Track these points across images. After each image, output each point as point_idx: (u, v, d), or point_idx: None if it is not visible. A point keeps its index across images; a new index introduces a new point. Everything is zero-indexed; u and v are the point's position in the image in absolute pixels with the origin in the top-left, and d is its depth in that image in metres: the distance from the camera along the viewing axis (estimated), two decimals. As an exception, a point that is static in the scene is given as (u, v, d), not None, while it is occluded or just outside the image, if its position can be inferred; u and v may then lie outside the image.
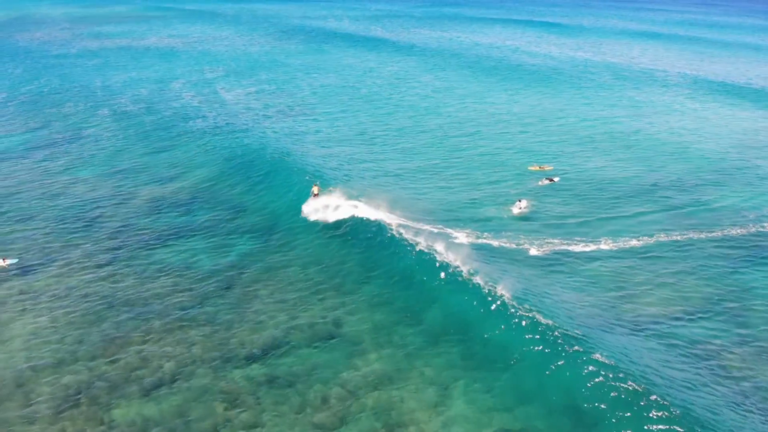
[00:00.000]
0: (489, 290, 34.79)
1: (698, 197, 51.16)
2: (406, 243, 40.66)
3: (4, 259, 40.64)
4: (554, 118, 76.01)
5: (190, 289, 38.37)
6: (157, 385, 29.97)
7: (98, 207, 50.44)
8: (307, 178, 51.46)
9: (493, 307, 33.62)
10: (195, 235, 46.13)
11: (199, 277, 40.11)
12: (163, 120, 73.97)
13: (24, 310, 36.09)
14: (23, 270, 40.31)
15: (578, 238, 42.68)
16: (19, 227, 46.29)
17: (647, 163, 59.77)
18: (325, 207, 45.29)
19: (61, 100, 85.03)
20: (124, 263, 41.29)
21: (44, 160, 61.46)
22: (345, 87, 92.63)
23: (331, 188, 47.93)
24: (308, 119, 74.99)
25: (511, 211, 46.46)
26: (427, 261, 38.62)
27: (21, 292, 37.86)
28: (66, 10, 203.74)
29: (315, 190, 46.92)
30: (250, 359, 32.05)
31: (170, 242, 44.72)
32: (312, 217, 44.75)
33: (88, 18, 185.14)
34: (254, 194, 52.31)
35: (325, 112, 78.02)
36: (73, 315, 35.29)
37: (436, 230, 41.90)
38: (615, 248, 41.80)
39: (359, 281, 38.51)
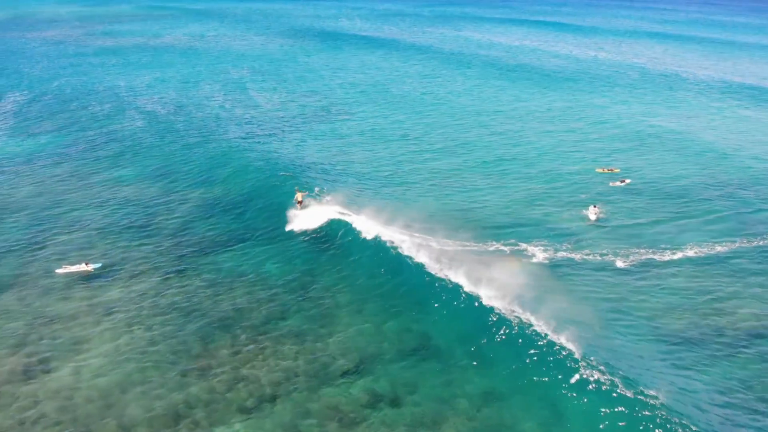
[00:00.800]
0: (585, 315, 33.24)
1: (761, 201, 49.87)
2: (477, 257, 38.95)
3: (87, 263, 39.10)
4: (596, 119, 74.61)
5: (267, 299, 36.68)
6: (257, 404, 28.29)
7: (150, 211, 48.66)
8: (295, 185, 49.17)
9: (591, 333, 32.02)
10: (254, 239, 44.43)
11: (271, 285, 38.43)
12: (196, 121, 72.19)
13: (101, 322, 34.35)
14: (94, 278, 38.62)
15: (662, 246, 41.15)
16: (77, 235, 44.50)
17: (703, 165, 58.49)
18: (378, 214, 43.33)
19: (87, 100, 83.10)
20: (192, 271, 39.56)
21: (82, 163, 59.62)
22: (375, 87, 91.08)
23: (379, 199, 46.50)
24: (345, 121, 73.39)
25: (587, 217, 44.77)
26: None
27: (93, 303, 36.07)
28: (71, 9, 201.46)
29: (299, 197, 45.13)
30: (347, 374, 30.40)
31: (232, 248, 42.99)
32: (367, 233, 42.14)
33: (96, 17, 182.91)
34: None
35: (360, 114, 76.43)
36: (153, 328, 33.57)
37: (507, 247, 40.10)
38: (701, 255, 40.37)
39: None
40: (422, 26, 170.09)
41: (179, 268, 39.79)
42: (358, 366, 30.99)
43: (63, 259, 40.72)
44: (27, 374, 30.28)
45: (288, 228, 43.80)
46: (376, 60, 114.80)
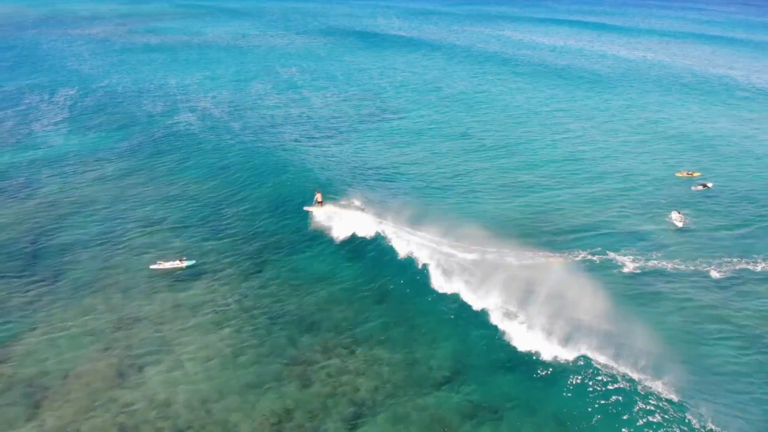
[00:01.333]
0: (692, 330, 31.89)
1: None
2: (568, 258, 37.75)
3: (181, 260, 38.90)
4: (656, 121, 72.62)
5: (347, 302, 35.92)
6: (359, 414, 27.53)
7: (218, 209, 48.26)
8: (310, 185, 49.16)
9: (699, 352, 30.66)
10: (324, 241, 43.50)
11: (349, 287, 37.69)
12: (251, 121, 71.80)
13: (189, 322, 33.92)
14: (179, 275, 38.27)
15: (755, 255, 39.46)
16: (153, 230, 44.25)
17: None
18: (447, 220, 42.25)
19: (140, 97, 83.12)
20: (270, 270, 39.13)
21: (144, 159, 59.48)
22: (425, 86, 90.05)
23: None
24: (401, 120, 72.72)
25: (672, 223, 43.17)
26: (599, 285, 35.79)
27: (180, 302, 35.66)
28: (111, 7, 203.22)
29: (318, 197, 44.94)
30: (442, 383, 29.47)
31: (304, 249, 42.33)
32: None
33: (136, 14, 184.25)
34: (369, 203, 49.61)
35: (415, 113, 75.71)
36: (242, 330, 33.02)
37: (595, 257, 38.71)
38: (798, 265, 38.55)
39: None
40: (460, 25, 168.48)
41: (257, 266, 39.35)
42: (452, 374, 30.06)
43: (145, 254, 40.43)
44: (121, 377, 29.89)
45: (332, 233, 42.98)
46: (421, 59, 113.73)
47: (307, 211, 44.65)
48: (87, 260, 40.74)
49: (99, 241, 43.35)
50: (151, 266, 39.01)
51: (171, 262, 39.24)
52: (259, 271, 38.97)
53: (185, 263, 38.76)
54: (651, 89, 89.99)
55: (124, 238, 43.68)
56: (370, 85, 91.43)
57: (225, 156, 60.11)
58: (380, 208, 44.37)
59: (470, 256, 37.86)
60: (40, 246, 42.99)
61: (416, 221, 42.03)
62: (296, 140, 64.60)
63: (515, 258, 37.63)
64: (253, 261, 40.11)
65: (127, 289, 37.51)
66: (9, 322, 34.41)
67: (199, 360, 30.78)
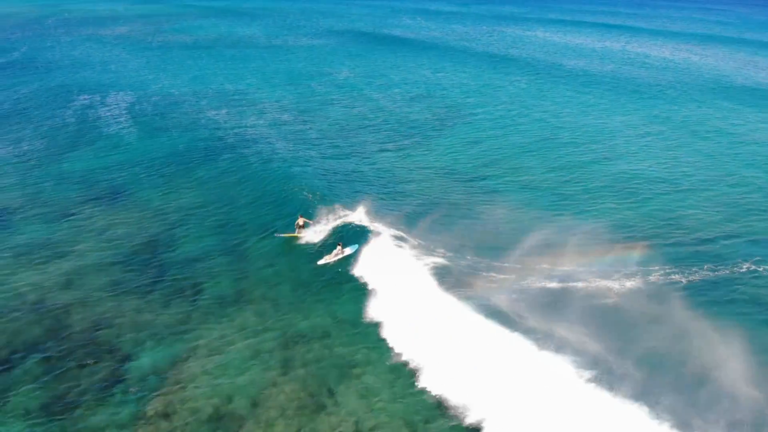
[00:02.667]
0: None
1: None
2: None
3: (340, 246, 37.52)
4: (733, 134, 70.89)
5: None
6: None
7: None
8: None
9: None
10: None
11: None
12: (332, 130, 69.43)
13: (357, 331, 31.73)
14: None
15: None
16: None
17: None
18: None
19: (199, 101, 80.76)
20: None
21: (229, 163, 57.11)
22: (468, 99, 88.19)
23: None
24: (463, 124, 70.78)
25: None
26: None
27: (340, 318, 33.46)
28: (125, 6, 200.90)
29: (300, 222, 42.00)
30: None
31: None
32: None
33: (156, 15, 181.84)
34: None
35: (481, 122, 73.80)
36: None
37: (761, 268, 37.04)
38: None
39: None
40: (489, 27, 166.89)
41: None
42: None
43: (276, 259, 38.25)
44: (314, 401, 27.70)
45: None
46: (446, 63, 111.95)
47: (281, 237, 41.52)
48: (221, 271, 38.62)
49: (224, 248, 41.23)
50: (319, 262, 37.53)
51: (334, 253, 37.84)
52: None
53: (347, 251, 37.16)
54: (711, 101, 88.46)
55: (247, 245, 41.52)
56: (428, 90, 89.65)
57: (318, 165, 58.02)
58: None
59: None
60: (164, 258, 40.73)
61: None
62: (385, 147, 62.61)
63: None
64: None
65: (276, 299, 35.44)
66: (163, 344, 32.16)
67: (387, 376, 28.65)
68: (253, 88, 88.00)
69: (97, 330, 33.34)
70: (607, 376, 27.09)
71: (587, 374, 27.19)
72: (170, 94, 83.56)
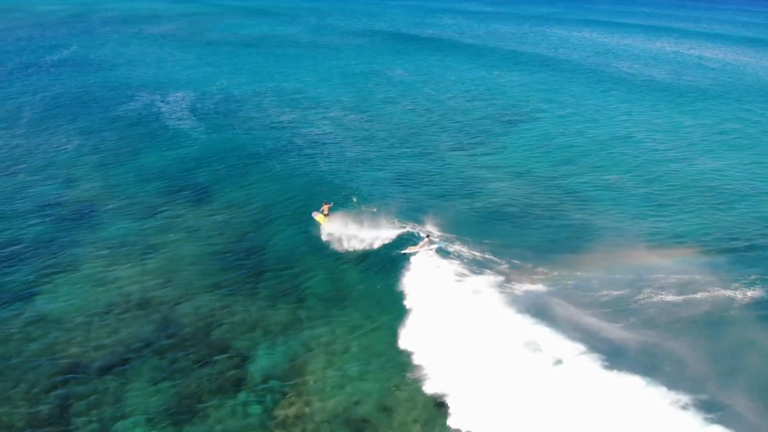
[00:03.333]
0: None
1: None
2: None
3: (428, 239, 36.58)
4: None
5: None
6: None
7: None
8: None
9: None
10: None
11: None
12: (408, 135, 68.41)
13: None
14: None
15: None
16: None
17: None
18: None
19: (262, 101, 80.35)
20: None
21: (301, 159, 56.62)
22: (530, 99, 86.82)
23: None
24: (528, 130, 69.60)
25: None
26: None
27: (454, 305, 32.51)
28: (164, 6, 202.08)
29: (325, 209, 41.51)
30: None
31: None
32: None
33: (196, 14, 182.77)
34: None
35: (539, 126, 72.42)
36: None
37: None
38: None
39: None
40: (534, 27, 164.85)
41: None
42: None
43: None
44: (442, 409, 26.84)
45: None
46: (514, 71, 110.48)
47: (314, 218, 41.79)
48: (313, 266, 38.25)
49: (308, 243, 40.75)
50: (403, 251, 36.78)
51: (420, 244, 36.93)
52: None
53: (434, 246, 36.20)
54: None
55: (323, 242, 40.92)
56: (481, 87, 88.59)
57: (374, 163, 57.42)
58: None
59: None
60: (256, 253, 40.47)
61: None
62: (469, 151, 61.72)
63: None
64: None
65: (378, 298, 34.77)
66: (277, 344, 31.73)
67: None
68: (311, 87, 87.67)
69: (208, 328, 33.01)
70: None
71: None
72: (231, 93, 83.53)
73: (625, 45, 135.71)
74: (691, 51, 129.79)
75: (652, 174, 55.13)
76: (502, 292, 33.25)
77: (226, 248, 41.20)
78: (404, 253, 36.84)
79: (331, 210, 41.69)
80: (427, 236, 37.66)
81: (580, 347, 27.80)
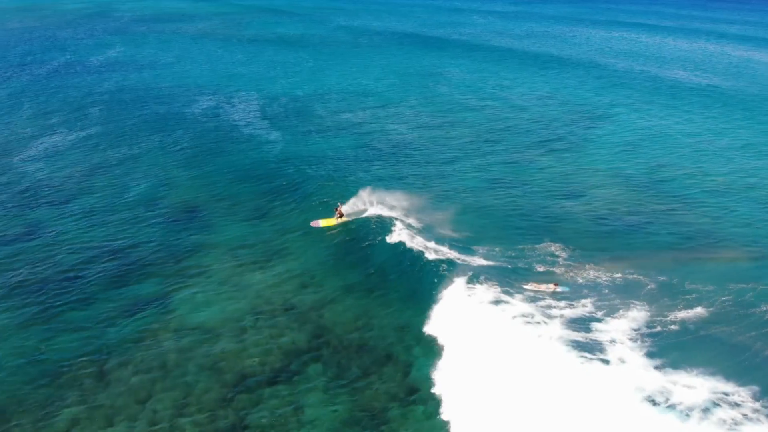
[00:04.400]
0: None
1: None
2: None
3: (556, 284, 34.80)
4: None
5: None
6: None
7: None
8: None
9: None
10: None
11: None
12: (474, 128, 67.99)
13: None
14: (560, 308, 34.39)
15: None
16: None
17: None
18: None
19: (330, 102, 79.56)
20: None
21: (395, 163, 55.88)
22: (601, 99, 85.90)
23: None
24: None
25: None
26: None
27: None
28: (193, 5, 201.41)
29: (339, 212, 42.17)
30: None
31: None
32: None
33: (226, 13, 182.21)
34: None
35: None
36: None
37: None
38: None
39: None
40: (581, 30, 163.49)
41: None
42: None
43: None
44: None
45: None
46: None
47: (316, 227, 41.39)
48: (426, 272, 37.14)
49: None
50: (525, 285, 35.04)
51: (545, 285, 35.08)
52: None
53: (560, 288, 34.69)
54: None
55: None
56: (545, 88, 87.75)
57: (462, 168, 56.65)
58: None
59: None
60: (373, 255, 39.51)
61: None
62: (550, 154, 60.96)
63: None
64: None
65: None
66: (430, 350, 30.88)
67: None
68: (371, 87, 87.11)
69: (359, 332, 32.39)
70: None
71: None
72: (294, 93, 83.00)
73: (682, 49, 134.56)
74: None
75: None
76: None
77: (345, 249, 40.53)
78: (527, 288, 35.03)
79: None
80: (555, 284, 35.09)
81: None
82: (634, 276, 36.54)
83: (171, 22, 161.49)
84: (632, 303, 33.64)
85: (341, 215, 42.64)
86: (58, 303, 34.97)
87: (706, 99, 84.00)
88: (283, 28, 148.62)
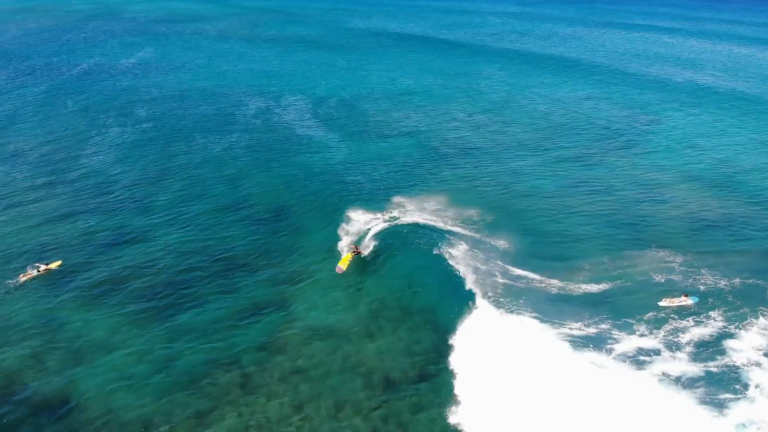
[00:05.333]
0: None
1: None
2: None
3: (686, 295, 34.07)
4: None
5: None
6: None
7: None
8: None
9: None
10: None
11: None
12: (541, 130, 67.34)
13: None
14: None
15: None
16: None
17: None
18: None
19: (373, 102, 78.57)
20: None
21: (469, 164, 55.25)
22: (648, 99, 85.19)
23: None
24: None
25: None
26: None
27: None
28: (197, 6, 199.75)
29: (353, 251, 38.55)
30: None
31: None
32: None
33: (239, 14, 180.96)
34: None
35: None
36: None
37: None
38: None
39: None
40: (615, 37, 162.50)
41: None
42: None
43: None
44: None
45: None
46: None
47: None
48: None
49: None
50: (660, 303, 33.98)
51: (678, 299, 34.12)
52: None
53: (690, 300, 33.88)
54: None
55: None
56: (597, 88, 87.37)
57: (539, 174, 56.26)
58: None
59: None
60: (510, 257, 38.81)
61: None
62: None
63: None
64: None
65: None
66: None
67: None
68: (413, 88, 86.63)
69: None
70: None
71: None
72: (340, 96, 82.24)
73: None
74: None
75: None
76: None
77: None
78: (660, 305, 33.97)
79: None
80: (685, 295, 34.48)
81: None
82: (752, 280, 36.11)
83: (187, 22, 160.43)
84: (760, 310, 33.25)
85: (357, 252, 39.02)
86: (171, 308, 34.26)
87: (749, 103, 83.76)
88: (301, 29, 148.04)
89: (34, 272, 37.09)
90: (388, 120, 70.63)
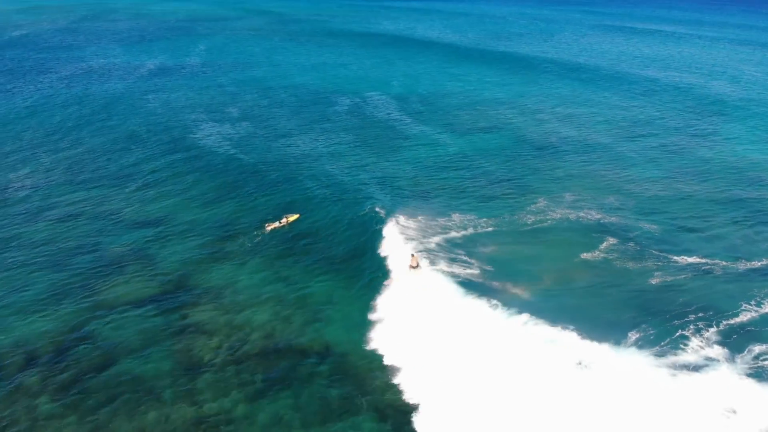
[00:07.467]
0: None
1: None
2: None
3: None
4: None
5: None
6: None
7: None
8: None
9: None
10: None
11: None
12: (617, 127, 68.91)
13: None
14: None
15: None
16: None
17: None
18: None
19: (459, 105, 78.88)
20: None
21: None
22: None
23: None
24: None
25: None
26: None
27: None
28: (213, 7, 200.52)
29: (413, 262, 36.22)
30: None
31: None
32: None
33: (269, 13, 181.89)
34: None
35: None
36: None
37: None
38: None
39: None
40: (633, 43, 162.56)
41: None
42: None
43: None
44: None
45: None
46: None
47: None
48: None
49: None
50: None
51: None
52: None
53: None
54: None
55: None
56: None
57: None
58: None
59: None
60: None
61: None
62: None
63: None
64: None
65: None
66: None
67: None
68: (486, 85, 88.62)
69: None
70: None
71: None
72: (419, 93, 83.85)
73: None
74: None
75: None
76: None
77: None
78: None
79: None
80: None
81: None
82: None
83: (214, 21, 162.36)
84: None
85: (416, 264, 36.42)
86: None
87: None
88: (335, 25, 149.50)
89: (276, 224, 42.86)
90: (475, 115, 72.92)
